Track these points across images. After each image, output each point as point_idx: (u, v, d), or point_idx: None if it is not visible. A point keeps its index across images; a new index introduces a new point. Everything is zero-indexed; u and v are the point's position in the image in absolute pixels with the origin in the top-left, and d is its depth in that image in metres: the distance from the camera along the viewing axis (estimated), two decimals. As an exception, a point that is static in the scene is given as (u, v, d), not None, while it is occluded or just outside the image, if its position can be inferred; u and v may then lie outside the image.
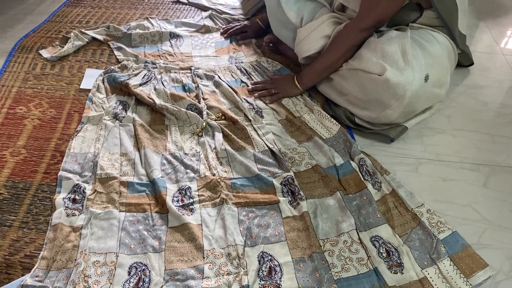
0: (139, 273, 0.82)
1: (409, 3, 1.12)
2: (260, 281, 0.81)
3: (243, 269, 0.82)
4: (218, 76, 1.33)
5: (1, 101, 1.24)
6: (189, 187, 0.99)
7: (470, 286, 0.81)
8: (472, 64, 1.43)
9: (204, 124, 1.13)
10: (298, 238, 0.89)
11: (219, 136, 1.11)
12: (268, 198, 0.96)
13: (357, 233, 0.89)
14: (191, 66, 1.38)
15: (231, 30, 1.57)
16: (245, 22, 1.58)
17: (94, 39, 1.53)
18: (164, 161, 1.05)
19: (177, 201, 0.95)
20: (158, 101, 1.20)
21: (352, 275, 0.82)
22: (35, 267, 0.82)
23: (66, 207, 0.93)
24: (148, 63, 1.39)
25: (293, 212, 0.94)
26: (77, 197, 0.95)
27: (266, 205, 0.95)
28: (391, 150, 1.13)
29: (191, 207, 0.94)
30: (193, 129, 1.15)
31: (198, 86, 1.28)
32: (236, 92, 1.26)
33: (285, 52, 1.44)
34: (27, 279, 0.79)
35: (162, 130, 1.15)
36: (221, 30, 1.59)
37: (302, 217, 0.92)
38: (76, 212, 0.92)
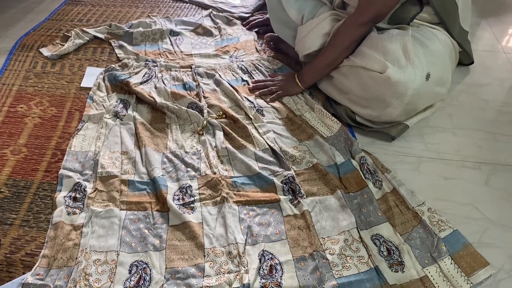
0: (140, 271, 0.82)
1: None
2: (261, 279, 0.81)
3: (244, 267, 0.82)
4: (219, 74, 1.33)
5: (2, 100, 1.24)
6: (190, 186, 0.98)
7: (471, 284, 0.81)
8: (472, 62, 1.43)
9: (205, 122, 1.13)
10: (299, 236, 0.89)
11: (220, 134, 1.11)
12: (269, 196, 0.96)
13: (358, 231, 0.89)
14: (192, 65, 1.38)
15: (254, 22, 1.59)
16: (268, 16, 1.55)
17: (95, 37, 1.53)
18: (165, 160, 1.05)
19: (178, 199, 0.95)
20: (158, 99, 1.19)
21: (353, 274, 0.82)
22: (36, 265, 0.82)
23: (67, 205, 0.93)
24: (149, 61, 1.39)
25: (293, 210, 0.94)
26: (78, 195, 0.95)
27: (267, 204, 0.95)
28: (392, 149, 1.13)
29: (192, 205, 0.94)
30: (193, 128, 1.15)
31: (198, 84, 1.28)
32: (237, 91, 1.25)
33: (286, 51, 1.43)
34: (28, 277, 0.79)
35: (162, 128, 1.15)
36: (244, 22, 1.64)
37: (302, 216, 0.92)
38: (77, 211, 0.92)
